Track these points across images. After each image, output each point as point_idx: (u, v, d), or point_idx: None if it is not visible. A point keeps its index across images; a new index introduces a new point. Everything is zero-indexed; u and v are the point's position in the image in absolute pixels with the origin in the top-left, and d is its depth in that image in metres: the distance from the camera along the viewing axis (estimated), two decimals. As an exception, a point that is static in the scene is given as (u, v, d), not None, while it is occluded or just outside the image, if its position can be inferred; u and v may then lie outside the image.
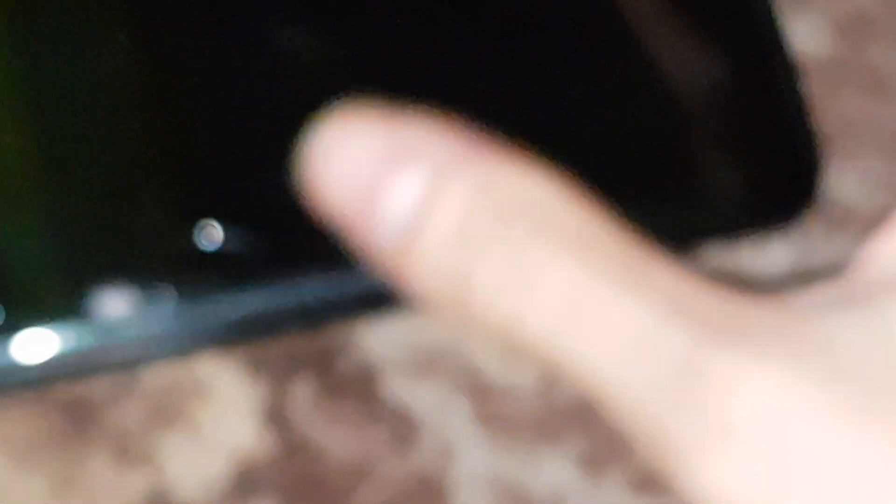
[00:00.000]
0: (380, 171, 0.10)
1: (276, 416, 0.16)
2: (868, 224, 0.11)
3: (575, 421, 0.16)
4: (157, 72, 0.16)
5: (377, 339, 0.16)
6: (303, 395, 0.16)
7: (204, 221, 0.15)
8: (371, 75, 0.16)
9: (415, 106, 0.10)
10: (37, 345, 0.15)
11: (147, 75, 0.16)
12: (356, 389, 0.16)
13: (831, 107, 0.17)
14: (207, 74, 0.16)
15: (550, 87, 0.16)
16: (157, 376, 0.16)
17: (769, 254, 0.17)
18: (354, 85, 0.13)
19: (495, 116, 0.11)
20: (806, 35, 0.17)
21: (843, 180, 0.17)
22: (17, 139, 0.15)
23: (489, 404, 0.16)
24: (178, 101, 0.16)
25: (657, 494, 0.15)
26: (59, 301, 0.15)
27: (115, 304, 0.15)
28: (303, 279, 0.16)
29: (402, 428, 0.16)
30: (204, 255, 0.15)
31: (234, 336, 0.16)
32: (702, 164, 0.17)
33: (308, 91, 0.15)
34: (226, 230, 0.15)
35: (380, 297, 0.15)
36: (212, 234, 0.15)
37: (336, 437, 0.16)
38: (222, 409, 0.16)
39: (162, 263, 0.15)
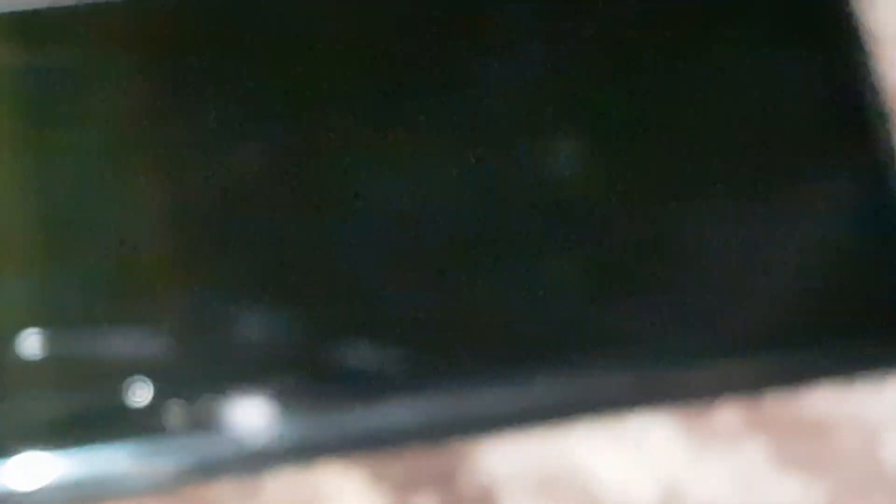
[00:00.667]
0: None
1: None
2: None
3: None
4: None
5: (497, 460, 0.16)
6: (422, 512, 0.16)
7: (341, 340, 0.16)
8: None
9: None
10: (175, 449, 0.15)
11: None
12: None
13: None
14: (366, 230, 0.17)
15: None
16: (282, 483, 0.16)
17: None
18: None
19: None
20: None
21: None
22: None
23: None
24: (333, 244, 0.17)
25: None
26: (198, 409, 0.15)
27: (250, 414, 0.15)
28: (426, 397, 0.16)
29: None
30: (337, 371, 0.16)
31: (359, 448, 0.16)
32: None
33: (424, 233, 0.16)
34: (358, 349, 0.16)
35: (501, 418, 0.16)
36: (346, 353, 0.16)
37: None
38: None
39: (299, 377, 0.16)
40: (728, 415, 0.17)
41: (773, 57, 0.18)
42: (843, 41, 0.18)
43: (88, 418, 0.15)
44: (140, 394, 0.15)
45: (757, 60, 0.18)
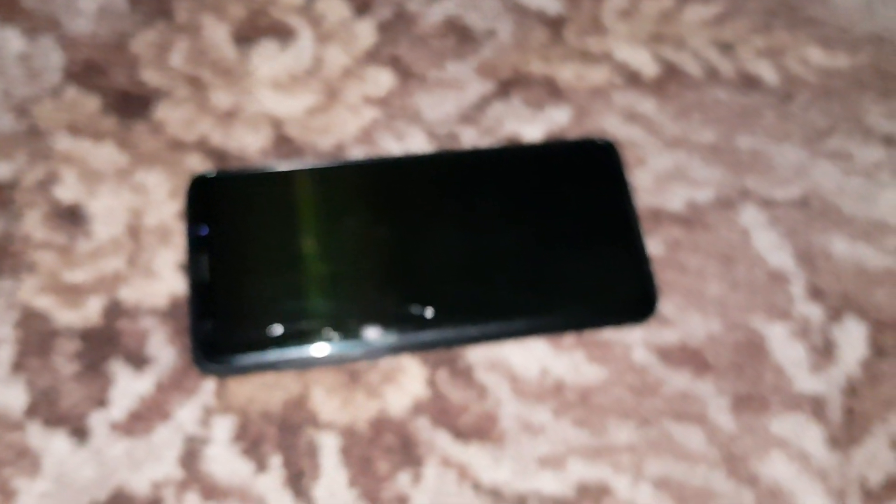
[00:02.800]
0: None
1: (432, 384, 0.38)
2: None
3: None
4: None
5: (476, 354, 0.39)
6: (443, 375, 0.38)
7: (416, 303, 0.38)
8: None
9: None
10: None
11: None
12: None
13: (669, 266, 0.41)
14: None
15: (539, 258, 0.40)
16: (382, 365, 0.38)
17: (630, 333, 0.40)
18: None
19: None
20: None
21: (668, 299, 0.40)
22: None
23: None
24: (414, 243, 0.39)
25: None
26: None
27: (376, 331, 0.37)
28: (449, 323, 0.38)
29: None
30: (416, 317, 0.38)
31: (414, 349, 0.38)
32: (603, 295, 0.40)
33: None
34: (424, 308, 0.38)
35: (478, 338, 0.38)
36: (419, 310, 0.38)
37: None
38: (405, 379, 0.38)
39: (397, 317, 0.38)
40: (569, 339, 0.39)
41: (575, 190, 0.41)
42: (615, 183, 0.42)
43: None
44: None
45: (566, 193, 0.41)
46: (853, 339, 0.40)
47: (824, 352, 0.40)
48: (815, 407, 0.39)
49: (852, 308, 0.41)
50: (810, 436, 0.38)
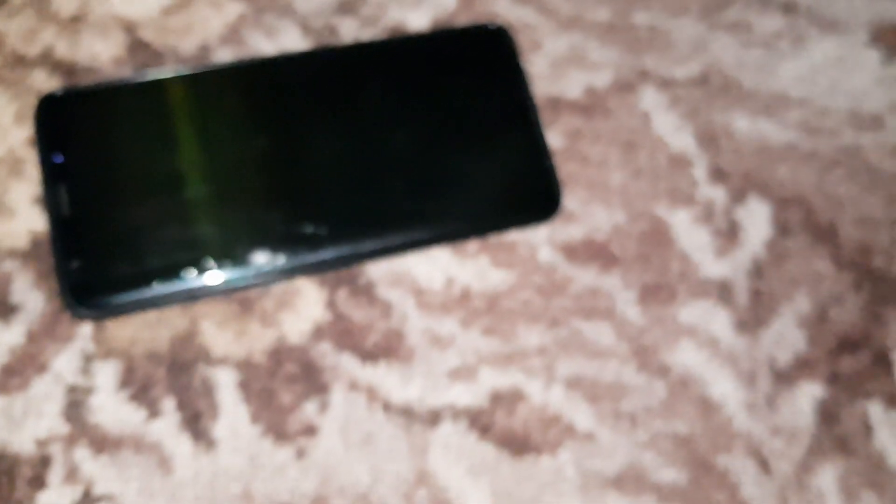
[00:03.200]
0: None
1: (331, 305, 0.35)
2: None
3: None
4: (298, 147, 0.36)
5: (376, 269, 0.36)
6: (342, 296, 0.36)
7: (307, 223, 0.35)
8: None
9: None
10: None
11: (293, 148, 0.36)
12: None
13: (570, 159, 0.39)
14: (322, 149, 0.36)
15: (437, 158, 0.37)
16: (276, 290, 0.35)
17: (535, 233, 0.38)
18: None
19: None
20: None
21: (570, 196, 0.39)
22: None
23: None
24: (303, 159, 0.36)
25: None
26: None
27: (265, 254, 0.34)
28: (349, 239, 0.35)
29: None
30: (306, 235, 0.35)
31: (318, 270, 0.35)
32: (504, 196, 0.38)
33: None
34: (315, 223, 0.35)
35: (380, 251, 0.36)
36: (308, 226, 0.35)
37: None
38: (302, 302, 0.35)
39: (287, 237, 0.35)
40: (472, 245, 0.37)
41: (468, 83, 0.39)
42: (510, 72, 0.39)
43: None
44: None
45: (458, 87, 0.38)
46: (757, 220, 0.40)
47: (729, 235, 0.39)
48: (722, 291, 0.38)
49: (755, 187, 0.40)
50: (718, 321, 0.38)
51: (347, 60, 0.38)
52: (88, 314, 0.33)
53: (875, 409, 0.38)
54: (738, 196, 0.40)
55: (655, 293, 0.38)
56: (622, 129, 0.40)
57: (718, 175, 0.40)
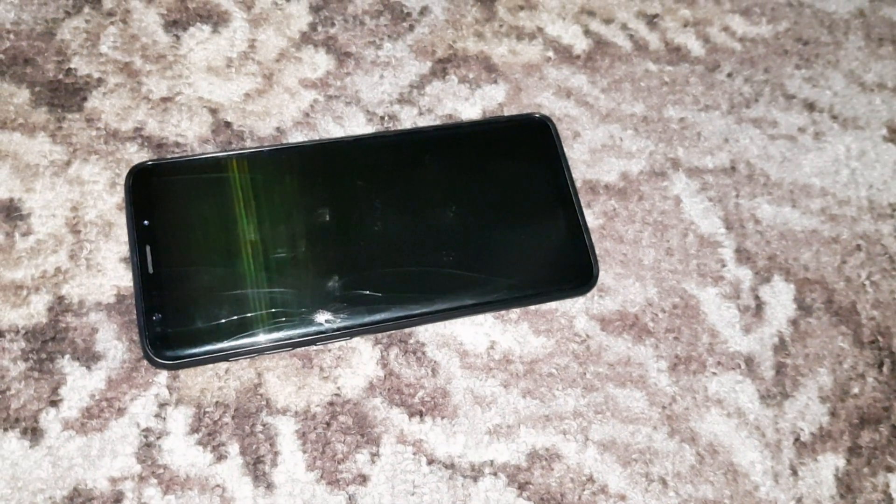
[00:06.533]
0: None
1: (385, 365, 0.38)
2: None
3: None
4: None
5: (425, 333, 0.39)
6: (395, 355, 0.39)
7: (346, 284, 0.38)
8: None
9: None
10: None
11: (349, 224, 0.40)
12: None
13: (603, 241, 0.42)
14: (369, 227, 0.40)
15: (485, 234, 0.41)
16: (336, 346, 0.38)
17: (573, 303, 0.41)
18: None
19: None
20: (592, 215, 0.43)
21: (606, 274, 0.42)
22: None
23: None
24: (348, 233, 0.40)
25: None
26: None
27: (326, 315, 0.38)
28: (400, 305, 0.39)
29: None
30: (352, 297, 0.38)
31: (373, 330, 0.38)
32: (546, 270, 0.41)
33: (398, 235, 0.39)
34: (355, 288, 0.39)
35: (427, 317, 0.39)
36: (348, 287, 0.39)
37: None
38: (359, 360, 0.38)
39: (346, 300, 0.38)
40: (514, 313, 0.41)
41: (514, 166, 0.42)
42: (553, 158, 0.43)
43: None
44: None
45: (506, 170, 0.42)
46: (781, 299, 0.42)
47: (755, 312, 0.42)
48: (749, 364, 0.41)
49: (780, 269, 0.43)
50: (745, 392, 0.40)
51: (406, 143, 0.42)
52: (165, 364, 0.37)
53: (896, 482, 0.39)
54: (763, 276, 0.43)
55: (686, 364, 0.40)
56: (654, 210, 0.43)
57: (745, 256, 0.43)
